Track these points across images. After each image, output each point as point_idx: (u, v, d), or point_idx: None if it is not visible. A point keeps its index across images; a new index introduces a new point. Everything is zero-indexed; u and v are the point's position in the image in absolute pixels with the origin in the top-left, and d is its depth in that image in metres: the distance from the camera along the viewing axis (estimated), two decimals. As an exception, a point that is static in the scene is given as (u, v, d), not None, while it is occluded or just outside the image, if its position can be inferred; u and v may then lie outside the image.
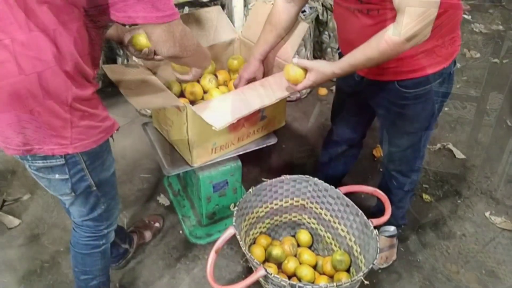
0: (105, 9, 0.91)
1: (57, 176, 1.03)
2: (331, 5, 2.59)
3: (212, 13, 1.72)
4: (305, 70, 1.24)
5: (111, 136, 1.09)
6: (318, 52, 2.84)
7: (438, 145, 2.36)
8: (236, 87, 1.53)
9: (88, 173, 1.07)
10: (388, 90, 1.30)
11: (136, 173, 2.11)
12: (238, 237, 1.29)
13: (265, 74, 1.58)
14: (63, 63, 0.90)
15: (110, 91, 2.27)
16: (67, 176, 1.04)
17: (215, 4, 2.33)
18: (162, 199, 1.97)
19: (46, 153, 0.97)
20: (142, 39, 1.20)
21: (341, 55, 1.43)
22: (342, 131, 1.64)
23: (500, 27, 3.76)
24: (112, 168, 1.17)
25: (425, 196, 2.04)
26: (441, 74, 1.25)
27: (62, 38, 0.88)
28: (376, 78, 1.30)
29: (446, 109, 2.66)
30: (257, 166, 2.16)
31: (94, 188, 1.11)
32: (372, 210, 1.82)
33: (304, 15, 2.36)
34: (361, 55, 1.12)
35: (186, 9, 2.16)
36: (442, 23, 1.14)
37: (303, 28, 1.51)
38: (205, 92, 1.64)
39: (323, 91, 2.78)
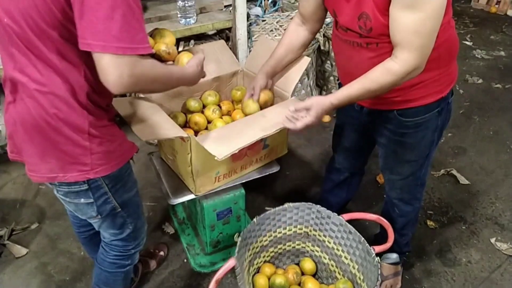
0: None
1: (82, 200, 1.09)
2: (332, 35, 2.67)
3: (216, 47, 1.79)
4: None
5: (131, 159, 1.14)
6: (321, 80, 2.90)
7: (442, 171, 2.37)
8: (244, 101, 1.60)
9: (111, 196, 1.12)
10: (387, 119, 1.34)
11: (142, 201, 2.14)
12: (237, 270, 1.29)
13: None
14: (77, 95, 0.95)
15: (118, 120, 2.33)
16: (91, 200, 1.09)
17: (220, 37, 2.42)
18: (167, 227, 1.99)
19: (69, 180, 1.03)
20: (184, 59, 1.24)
21: (341, 86, 1.47)
22: (343, 159, 1.67)
23: (502, 53, 3.82)
24: (135, 188, 1.22)
25: (429, 222, 2.03)
26: (439, 103, 1.28)
27: (71, 72, 0.94)
28: (375, 107, 1.34)
29: (449, 134, 2.68)
30: (260, 193, 2.18)
31: (119, 209, 1.16)
32: (376, 237, 1.82)
33: (305, 45, 2.43)
34: (360, 86, 1.15)
35: (192, 42, 2.24)
36: (440, 55, 1.18)
37: (305, 61, 1.56)
38: (209, 122, 1.68)
39: (326, 117, 2.82)
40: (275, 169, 1.67)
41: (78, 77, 0.95)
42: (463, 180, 2.31)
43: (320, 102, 1.20)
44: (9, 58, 0.94)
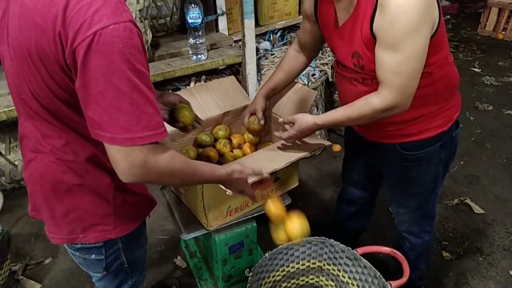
0: None
1: (93, 256, 1.04)
2: (340, 66, 2.72)
3: (227, 82, 1.84)
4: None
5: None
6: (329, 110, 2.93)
7: (456, 200, 2.34)
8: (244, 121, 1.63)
9: (123, 252, 1.07)
10: (390, 152, 1.35)
11: (154, 234, 2.15)
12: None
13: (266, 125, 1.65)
14: (101, 161, 0.94)
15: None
16: (103, 257, 1.05)
17: (230, 71, 2.48)
18: (179, 261, 1.98)
19: (90, 241, 0.99)
20: (188, 114, 1.24)
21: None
22: (353, 190, 1.67)
23: (511, 79, 3.82)
24: (146, 244, 1.18)
25: (445, 253, 1.99)
26: (440, 137, 1.29)
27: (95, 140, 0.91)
28: (378, 140, 1.35)
29: (461, 162, 2.66)
30: (273, 225, 2.17)
31: (126, 265, 1.11)
32: (392, 270, 1.78)
33: (314, 78, 2.48)
34: (343, 113, 1.20)
35: (203, 77, 2.30)
36: (437, 91, 1.20)
37: (312, 94, 1.59)
38: (220, 155, 1.71)
39: (336, 147, 2.83)
40: (286, 202, 1.67)
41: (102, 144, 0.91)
42: (477, 209, 2.27)
43: (304, 120, 1.27)
44: (31, 124, 0.93)
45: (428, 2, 1.01)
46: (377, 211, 1.84)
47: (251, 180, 1.18)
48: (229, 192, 1.22)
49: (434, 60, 1.14)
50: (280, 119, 1.36)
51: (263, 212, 1.62)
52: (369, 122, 1.18)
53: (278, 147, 1.47)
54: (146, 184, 1.00)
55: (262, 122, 1.55)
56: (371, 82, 1.18)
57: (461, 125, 1.38)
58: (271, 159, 1.41)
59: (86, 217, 0.97)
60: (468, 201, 2.33)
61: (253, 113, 1.58)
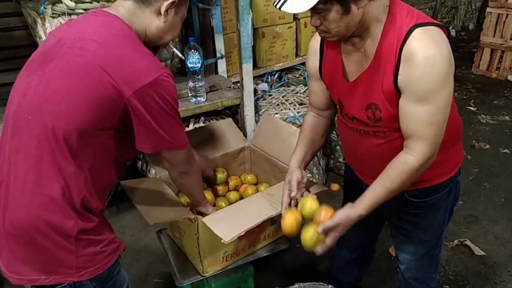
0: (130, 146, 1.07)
1: None
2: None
3: (224, 124, 1.88)
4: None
5: (119, 257, 1.11)
6: (328, 149, 2.96)
7: (455, 241, 2.31)
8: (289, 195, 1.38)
9: None
10: (397, 200, 1.31)
11: (149, 278, 2.11)
12: None
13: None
14: (71, 199, 0.98)
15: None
16: None
17: (229, 111, 2.53)
18: (175, 306, 1.93)
19: (52, 283, 1.00)
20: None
21: (347, 166, 1.49)
22: (352, 236, 1.63)
23: (507, 117, 3.87)
24: (125, 284, 1.18)
25: (446, 298, 1.95)
26: (448, 183, 1.28)
27: (75, 175, 0.98)
28: None
29: (460, 202, 2.64)
30: (270, 268, 2.13)
31: None
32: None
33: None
34: (383, 189, 1.13)
35: (202, 119, 2.34)
36: (446, 138, 1.19)
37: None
38: (218, 196, 1.72)
39: (335, 186, 2.82)
40: (284, 246, 1.66)
41: (79, 181, 0.98)
42: (478, 251, 2.24)
43: (349, 218, 1.15)
44: (11, 153, 0.97)
45: (449, 50, 1.02)
46: (377, 253, 1.81)
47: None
48: (224, 240, 1.22)
49: None
50: (320, 229, 1.15)
51: (260, 256, 1.61)
52: (411, 182, 1.13)
53: (275, 191, 1.47)
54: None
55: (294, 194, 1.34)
56: (383, 134, 1.17)
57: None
58: (267, 204, 1.41)
59: (48, 259, 0.99)
60: (468, 242, 2.30)
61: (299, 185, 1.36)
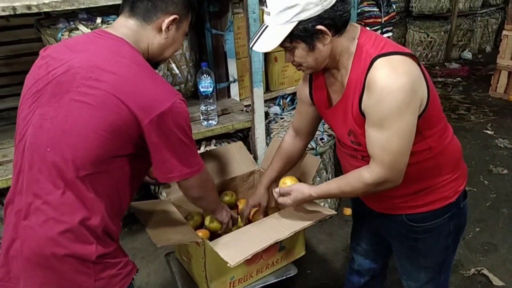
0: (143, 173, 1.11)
1: None
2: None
3: (234, 148, 1.89)
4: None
5: (132, 279, 1.13)
6: (340, 173, 2.93)
7: (472, 270, 2.24)
8: (242, 214, 1.64)
9: None
10: (398, 223, 1.33)
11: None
12: None
13: (272, 202, 1.64)
14: (91, 226, 1.00)
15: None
16: None
17: (241, 134, 2.55)
18: (183, 331, 1.91)
19: None
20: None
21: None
22: (362, 260, 1.62)
23: (525, 142, 3.78)
24: None
25: (463, 330, 1.88)
26: (448, 208, 1.27)
27: (95, 203, 1.00)
28: (384, 211, 1.34)
29: (477, 229, 2.58)
30: (280, 294, 2.10)
31: None
32: None
33: (322, 142, 2.51)
34: (336, 186, 1.23)
35: (213, 142, 2.37)
36: (439, 164, 1.21)
37: (316, 162, 1.62)
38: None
39: (348, 211, 2.78)
40: (293, 272, 1.64)
41: (100, 208, 1.01)
42: (496, 281, 2.16)
43: (300, 190, 1.32)
44: (30, 183, 0.99)
45: (414, 83, 1.04)
46: (388, 280, 1.76)
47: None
48: (229, 264, 1.21)
49: (429, 134, 1.17)
50: (276, 189, 1.39)
51: (268, 283, 1.59)
52: (363, 195, 1.22)
53: (284, 216, 1.47)
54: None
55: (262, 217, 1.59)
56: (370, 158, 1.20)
57: (467, 198, 1.36)
58: (275, 228, 1.40)
59: (66, 283, 1.00)
60: (485, 271, 2.22)
61: (256, 206, 1.63)
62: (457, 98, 4.79)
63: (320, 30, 1.06)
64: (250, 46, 1.13)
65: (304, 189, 1.31)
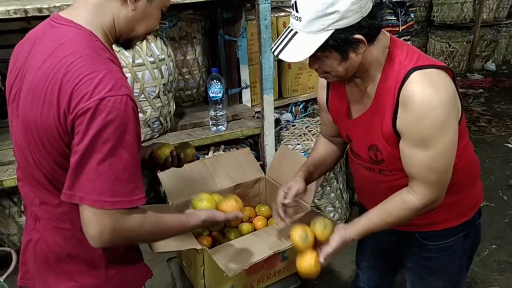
0: None
1: None
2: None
3: (241, 155, 1.87)
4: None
5: (144, 285, 1.12)
6: (351, 183, 2.87)
7: (487, 289, 2.15)
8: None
9: None
10: (410, 241, 1.28)
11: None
12: None
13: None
14: None
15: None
16: None
17: (251, 140, 2.52)
18: (183, 338, 1.89)
19: None
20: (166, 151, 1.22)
21: (361, 202, 1.44)
22: (368, 277, 1.57)
23: (549, 157, 3.64)
24: None
25: None
26: (464, 226, 1.22)
27: None
28: (397, 228, 1.28)
29: (493, 246, 2.48)
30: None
31: None
32: None
33: (333, 151, 2.46)
34: (379, 220, 1.12)
35: (222, 147, 2.35)
36: (459, 180, 1.15)
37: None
38: (230, 227, 1.69)
39: (358, 222, 2.72)
40: (295, 284, 1.60)
41: None
42: (512, 301, 2.07)
43: (344, 242, 1.14)
44: (32, 192, 0.99)
45: (451, 95, 0.99)
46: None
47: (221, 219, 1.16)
48: (227, 273, 1.19)
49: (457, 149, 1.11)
50: (321, 259, 1.13)
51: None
52: (406, 222, 1.13)
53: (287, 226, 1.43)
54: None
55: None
56: (389, 173, 1.15)
57: (480, 219, 1.29)
58: (276, 239, 1.38)
59: (78, 285, 0.99)
60: (501, 291, 2.13)
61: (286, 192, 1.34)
62: (478, 110, 4.66)
63: (358, 39, 0.97)
64: (275, 53, 1.00)
65: (346, 239, 1.13)
